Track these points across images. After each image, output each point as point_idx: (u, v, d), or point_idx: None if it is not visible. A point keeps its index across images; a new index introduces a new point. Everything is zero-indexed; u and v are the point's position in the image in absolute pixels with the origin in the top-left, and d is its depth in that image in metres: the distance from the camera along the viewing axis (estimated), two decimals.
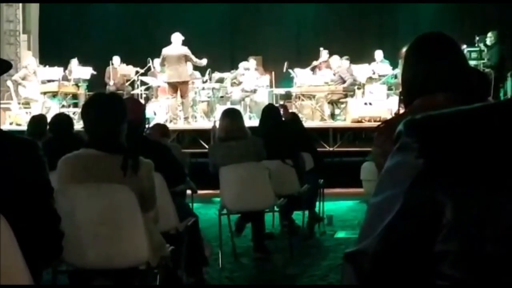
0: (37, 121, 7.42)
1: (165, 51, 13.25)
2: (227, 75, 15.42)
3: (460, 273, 0.89)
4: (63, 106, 14.43)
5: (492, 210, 0.88)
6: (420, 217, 0.93)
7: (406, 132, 0.98)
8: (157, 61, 14.90)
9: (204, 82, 15.10)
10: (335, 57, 14.93)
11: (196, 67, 14.55)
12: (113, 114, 3.62)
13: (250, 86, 14.71)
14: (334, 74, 14.69)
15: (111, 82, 15.31)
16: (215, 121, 11.61)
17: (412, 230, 0.94)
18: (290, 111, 10.80)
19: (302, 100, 14.74)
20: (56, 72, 14.76)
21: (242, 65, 15.23)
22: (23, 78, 14.74)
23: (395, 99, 13.25)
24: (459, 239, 0.90)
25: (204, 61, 13.78)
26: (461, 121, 0.96)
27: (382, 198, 0.98)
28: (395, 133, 1.01)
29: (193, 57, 13.37)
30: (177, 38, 13.22)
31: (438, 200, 0.91)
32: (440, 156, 0.93)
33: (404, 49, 2.59)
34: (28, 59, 15.83)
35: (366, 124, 13.00)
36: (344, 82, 14.36)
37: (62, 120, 6.74)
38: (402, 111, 2.67)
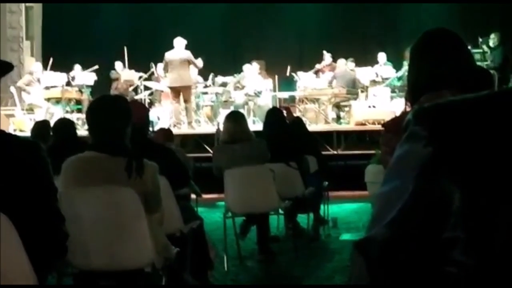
0: (41, 126, 7.41)
1: (168, 55, 13.22)
2: (230, 79, 15.43)
3: (468, 260, 0.89)
4: (66, 111, 14.45)
5: (500, 198, 0.87)
6: (429, 205, 0.93)
7: (415, 120, 0.98)
8: (160, 66, 14.92)
9: (207, 86, 15.10)
10: (341, 60, 14.93)
11: (199, 71, 14.55)
12: (118, 116, 3.61)
13: (253, 90, 14.71)
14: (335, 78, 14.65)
15: (114, 87, 15.33)
16: (218, 124, 11.62)
17: (421, 217, 0.93)
18: (294, 114, 10.80)
19: (306, 103, 14.74)
20: (59, 78, 14.79)
21: (246, 67, 15.21)
22: (27, 84, 14.77)
23: (399, 102, 13.25)
24: (468, 226, 0.89)
25: (200, 62, 13.64)
26: (469, 109, 0.96)
27: (391, 187, 0.98)
28: (403, 123, 1.01)
29: (195, 61, 13.35)
30: (179, 42, 13.19)
31: (447, 187, 0.91)
32: (448, 144, 0.92)
33: (409, 48, 2.57)
34: (33, 66, 15.86)
35: (370, 127, 12.99)
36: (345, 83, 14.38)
37: (65, 124, 6.74)
38: (408, 109, 2.66)
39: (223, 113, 12.46)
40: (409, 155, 0.97)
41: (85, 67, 15.38)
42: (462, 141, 0.92)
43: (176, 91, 13.39)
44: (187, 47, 13.27)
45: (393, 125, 2.52)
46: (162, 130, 8.04)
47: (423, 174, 0.94)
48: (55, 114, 13.91)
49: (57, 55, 15.96)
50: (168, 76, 13.50)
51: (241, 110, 12.02)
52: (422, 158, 0.94)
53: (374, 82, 14.79)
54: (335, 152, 12.41)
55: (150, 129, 6.75)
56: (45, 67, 15.42)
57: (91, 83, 15.23)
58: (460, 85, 2.28)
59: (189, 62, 13.24)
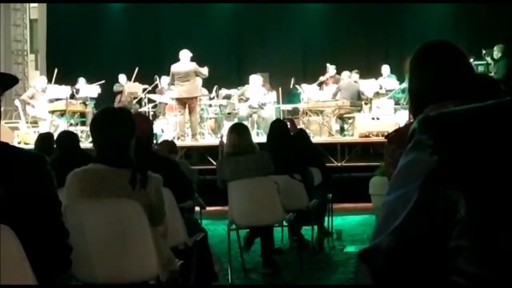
0: (44, 138, 7.41)
1: (174, 68, 13.25)
2: (234, 92, 15.43)
3: (474, 269, 0.89)
4: (71, 124, 14.47)
5: (505, 206, 0.87)
6: (434, 213, 0.92)
7: (420, 129, 0.98)
8: (164, 79, 14.94)
9: (211, 98, 15.12)
10: (345, 73, 14.93)
11: (203, 84, 14.54)
12: (122, 128, 3.60)
13: (257, 102, 14.70)
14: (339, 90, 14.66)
15: (118, 99, 15.37)
16: (222, 136, 11.61)
17: (426, 226, 0.93)
18: (298, 126, 10.79)
19: (310, 116, 14.73)
20: (63, 90, 14.82)
21: (252, 78, 15.14)
22: (31, 97, 14.81)
23: (402, 114, 13.24)
24: (473, 235, 0.89)
25: (205, 70, 13.51)
26: (475, 117, 0.96)
27: (396, 196, 0.98)
28: (409, 132, 1.00)
29: (201, 70, 13.34)
30: (185, 54, 13.23)
31: (452, 196, 0.91)
32: (454, 152, 0.92)
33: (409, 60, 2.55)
34: (37, 79, 15.91)
35: (374, 139, 12.96)
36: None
37: (68, 137, 6.74)
38: (412, 121, 2.63)
39: (227, 125, 12.45)
40: (414, 163, 0.97)
41: (89, 80, 15.42)
42: (467, 150, 0.92)
43: (182, 103, 13.40)
44: (192, 60, 13.29)
45: (397, 137, 2.51)
46: (165, 142, 8.04)
47: (428, 182, 0.94)
48: (59, 126, 13.94)
49: (61, 68, 16.02)
50: (175, 88, 13.50)
51: (245, 122, 12.02)
52: (428, 167, 0.94)
53: (377, 94, 14.81)
54: (339, 164, 12.40)
55: (154, 141, 6.75)
56: (49, 80, 15.46)
57: (95, 95, 15.27)
58: (463, 96, 2.27)
59: (196, 73, 13.26)
